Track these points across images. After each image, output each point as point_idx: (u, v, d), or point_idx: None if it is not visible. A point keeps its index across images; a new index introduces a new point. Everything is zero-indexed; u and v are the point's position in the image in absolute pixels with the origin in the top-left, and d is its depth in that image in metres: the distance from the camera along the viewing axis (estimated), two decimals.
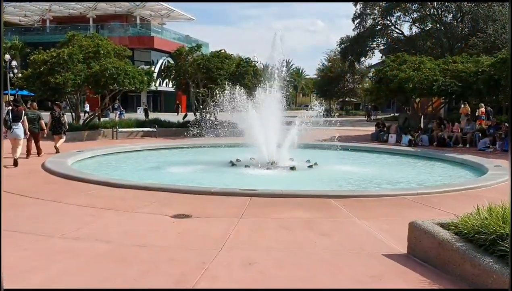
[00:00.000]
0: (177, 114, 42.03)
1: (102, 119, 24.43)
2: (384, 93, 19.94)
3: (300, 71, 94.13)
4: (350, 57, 40.78)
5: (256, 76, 22.61)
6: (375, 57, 47.89)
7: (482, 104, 21.55)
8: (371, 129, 21.90)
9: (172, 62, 50.40)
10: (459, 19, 35.02)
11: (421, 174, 12.42)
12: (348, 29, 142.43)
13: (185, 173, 11.76)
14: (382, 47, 41.83)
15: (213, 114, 24.52)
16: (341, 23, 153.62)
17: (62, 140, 14.73)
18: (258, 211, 6.97)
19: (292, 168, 12.40)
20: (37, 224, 6.19)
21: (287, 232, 5.87)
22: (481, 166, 12.31)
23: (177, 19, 67.45)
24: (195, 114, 24.37)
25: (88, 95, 22.78)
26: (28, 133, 12.29)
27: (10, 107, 12.46)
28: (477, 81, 18.07)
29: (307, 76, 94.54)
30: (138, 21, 59.84)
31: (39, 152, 13.50)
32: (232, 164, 13.04)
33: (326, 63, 55.64)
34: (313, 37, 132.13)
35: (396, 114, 34.48)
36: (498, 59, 16.96)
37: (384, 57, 53.22)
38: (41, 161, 12.04)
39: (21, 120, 11.80)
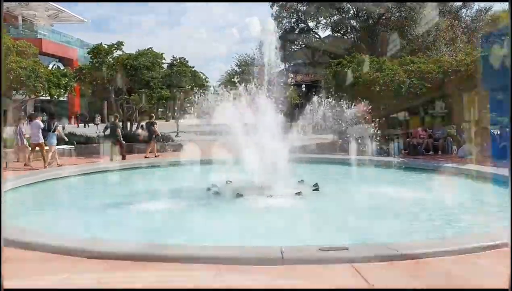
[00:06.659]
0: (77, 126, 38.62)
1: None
2: (345, 97, 17.70)
3: (205, 78, 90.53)
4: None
5: (194, 78, 19.21)
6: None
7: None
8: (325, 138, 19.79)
9: (62, 67, 44.56)
10: (376, 22, 34.34)
11: (467, 195, 10.12)
12: (230, 37, 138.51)
13: (162, 212, 8.40)
14: (302, 52, 40.09)
15: (141, 125, 20.70)
16: (225, 33, 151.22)
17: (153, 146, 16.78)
18: None
19: (298, 194, 9.61)
20: None
21: None
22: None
23: (67, 21, 60.51)
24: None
25: None
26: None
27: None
28: (451, 81, 16.61)
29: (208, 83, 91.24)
30: (20, 21, 52.30)
31: (123, 157, 15.56)
32: (215, 192, 9.88)
33: (236, 69, 52.23)
34: (199, 46, 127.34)
35: None
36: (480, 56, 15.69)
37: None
38: None
39: (53, 130, 14.02)
